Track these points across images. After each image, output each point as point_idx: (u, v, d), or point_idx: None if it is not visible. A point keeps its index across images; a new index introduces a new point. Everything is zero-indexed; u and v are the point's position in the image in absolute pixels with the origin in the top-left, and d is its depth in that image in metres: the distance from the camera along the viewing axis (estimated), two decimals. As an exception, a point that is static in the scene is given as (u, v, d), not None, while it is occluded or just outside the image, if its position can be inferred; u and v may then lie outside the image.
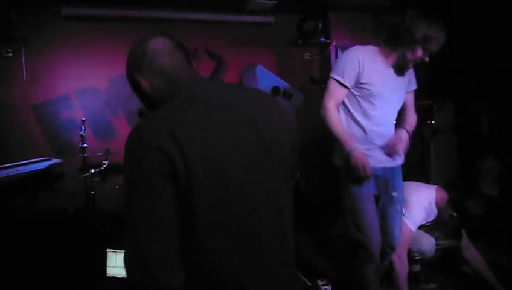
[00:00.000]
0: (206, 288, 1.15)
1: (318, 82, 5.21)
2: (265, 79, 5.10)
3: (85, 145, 4.13)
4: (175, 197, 1.10)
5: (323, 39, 5.26)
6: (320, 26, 5.05)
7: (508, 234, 3.61)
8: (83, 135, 4.13)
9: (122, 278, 3.49)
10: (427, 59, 2.56)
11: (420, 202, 3.17)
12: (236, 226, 1.15)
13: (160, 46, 1.31)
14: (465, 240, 3.21)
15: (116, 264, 3.48)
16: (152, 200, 1.09)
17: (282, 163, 1.26)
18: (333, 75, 2.67)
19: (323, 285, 3.32)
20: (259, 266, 1.18)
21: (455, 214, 3.10)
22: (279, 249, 1.23)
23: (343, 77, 2.63)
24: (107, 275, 3.33)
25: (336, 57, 5.37)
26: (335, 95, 2.68)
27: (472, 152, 4.22)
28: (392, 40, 2.62)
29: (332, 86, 2.67)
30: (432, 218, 3.25)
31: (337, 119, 2.67)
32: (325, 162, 3.02)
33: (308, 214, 4.86)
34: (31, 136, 4.58)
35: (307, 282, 3.47)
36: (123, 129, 4.92)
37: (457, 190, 3.29)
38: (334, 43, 5.28)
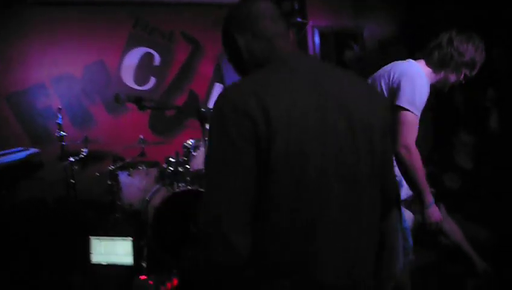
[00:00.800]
0: (270, 259, 1.14)
1: None
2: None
3: (62, 133, 4.07)
4: (256, 162, 1.09)
5: (299, 19, 5.25)
6: (296, 7, 5.04)
7: (483, 205, 3.72)
8: (60, 123, 4.06)
9: (107, 265, 3.51)
10: (464, 82, 2.41)
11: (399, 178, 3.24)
12: (309, 208, 1.13)
13: (265, 10, 1.28)
14: (442, 213, 3.30)
15: (100, 251, 3.48)
16: (235, 163, 1.08)
17: (370, 152, 1.21)
18: (410, 108, 2.23)
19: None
20: (329, 253, 1.16)
21: (433, 189, 3.18)
22: (353, 242, 1.19)
23: (419, 111, 2.28)
24: (92, 262, 3.34)
25: (313, 38, 5.39)
26: (415, 132, 2.29)
27: (447, 128, 4.31)
28: (437, 59, 2.36)
29: (412, 120, 2.26)
30: (410, 193, 3.33)
31: (421, 165, 2.33)
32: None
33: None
34: (7, 127, 4.49)
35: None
36: (101, 116, 4.86)
37: (433, 164, 3.36)
38: (310, 23, 5.28)
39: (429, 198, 2.38)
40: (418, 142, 2.29)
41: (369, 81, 2.53)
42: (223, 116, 1.10)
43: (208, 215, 1.10)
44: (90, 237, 3.28)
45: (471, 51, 2.28)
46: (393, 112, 2.21)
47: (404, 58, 2.43)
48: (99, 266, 3.44)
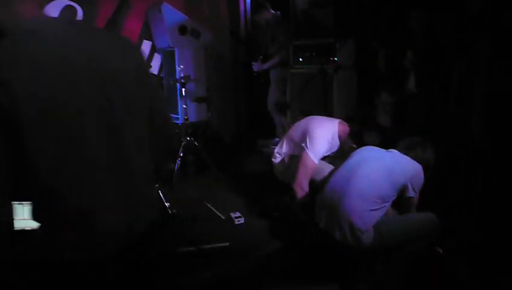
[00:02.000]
0: (51, 218, 1.22)
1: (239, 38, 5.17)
2: (172, 17, 4.93)
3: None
4: (5, 132, 1.09)
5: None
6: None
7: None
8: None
9: (32, 230, 3.38)
10: None
11: (323, 135, 3.39)
12: (75, 161, 1.19)
13: None
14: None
15: (23, 216, 3.33)
16: None
17: (124, 99, 1.29)
18: None
19: (236, 217, 3.50)
20: (96, 194, 1.24)
21: (355, 146, 3.36)
22: (115, 182, 1.27)
23: None
24: (15, 228, 3.20)
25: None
26: None
27: (370, 88, 4.52)
28: None
29: None
30: (334, 149, 3.51)
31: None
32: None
33: (220, 152, 4.98)
34: None
35: (221, 216, 3.62)
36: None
37: (356, 122, 3.54)
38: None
39: None
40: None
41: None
42: None
43: None
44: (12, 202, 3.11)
45: None
46: None
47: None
48: (22, 232, 3.30)
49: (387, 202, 2.64)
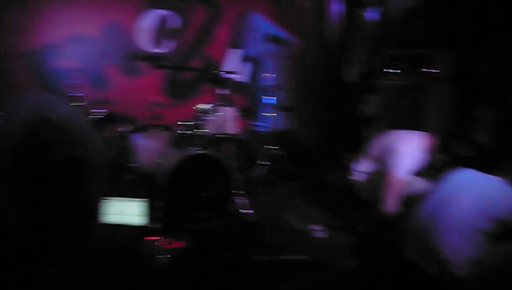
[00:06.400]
0: None
1: None
2: (261, 26, 4.97)
3: (78, 94, 4.08)
4: None
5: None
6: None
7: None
8: (76, 83, 4.07)
9: (119, 225, 3.56)
10: None
11: (410, 152, 3.20)
12: None
13: None
14: None
15: (113, 211, 3.52)
16: None
17: None
18: None
19: (316, 230, 3.39)
20: None
21: (446, 159, 3.11)
22: None
23: None
24: (104, 222, 3.39)
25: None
26: None
27: (468, 101, 4.19)
28: None
29: None
30: (423, 165, 3.29)
31: None
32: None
33: (304, 163, 4.90)
34: (24, 85, 4.50)
35: (301, 227, 3.54)
36: (116, 78, 4.85)
37: (451, 137, 3.29)
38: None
39: None
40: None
41: None
42: None
43: None
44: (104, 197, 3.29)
45: None
46: None
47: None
48: (111, 225, 3.49)
49: (485, 234, 2.37)
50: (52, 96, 1.45)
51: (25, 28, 4.46)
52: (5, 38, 4.39)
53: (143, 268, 2.92)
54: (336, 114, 5.79)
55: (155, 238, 3.25)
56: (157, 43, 5.00)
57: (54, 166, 1.09)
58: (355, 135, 5.21)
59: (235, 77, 5.29)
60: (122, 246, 3.22)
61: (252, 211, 3.70)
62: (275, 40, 5.02)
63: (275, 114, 4.68)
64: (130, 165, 4.11)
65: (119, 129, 4.19)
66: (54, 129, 1.19)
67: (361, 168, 3.56)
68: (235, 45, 5.35)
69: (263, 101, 4.88)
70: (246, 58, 5.40)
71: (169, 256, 2.99)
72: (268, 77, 4.63)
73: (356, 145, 5.14)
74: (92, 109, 4.13)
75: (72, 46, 4.68)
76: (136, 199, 3.57)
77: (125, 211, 3.57)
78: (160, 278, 2.81)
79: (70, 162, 1.06)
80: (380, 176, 3.31)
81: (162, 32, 5.00)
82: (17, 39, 4.45)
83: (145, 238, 3.25)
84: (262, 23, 5.02)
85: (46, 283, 1.18)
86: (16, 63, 4.47)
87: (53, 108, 1.30)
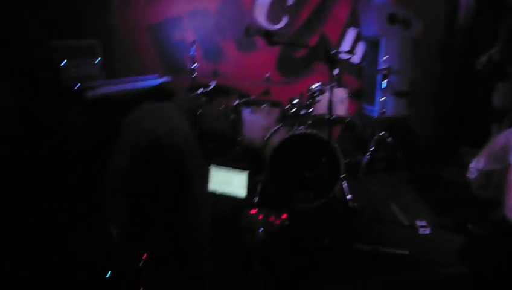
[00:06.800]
0: None
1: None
2: (382, 5, 4.70)
3: (194, 65, 4.25)
4: None
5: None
6: None
7: None
8: (193, 55, 4.24)
9: (220, 194, 3.68)
10: None
11: None
12: None
13: None
14: None
15: (217, 180, 3.65)
16: None
17: None
18: None
19: (422, 226, 3.18)
20: None
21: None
22: None
23: None
24: (209, 189, 3.54)
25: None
26: None
27: None
28: None
29: None
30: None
31: None
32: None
33: (415, 153, 4.62)
34: (146, 55, 4.80)
35: (404, 220, 3.34)
36: (231, 52, 4.95)
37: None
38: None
39: None
40: None
41: None
42: None
43: None
44: (211, 165, 3.44)
45: None
46: None
47: None
48: (215, 195, 3.62)
49: None
50: (168, 107, 2.00)
51: (148, 1, 4.72)
52: (129, 11, 4.69)
53: (241, 239, 2.98)
54: (460, 104, 5.31)
55: (255, 211, 3.30)
56: (274, 19, 4.99)
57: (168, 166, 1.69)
58: (479, 129, 4.72)
59: (350, 57, 5.12)
60: (224, 216, 3.32)
61: (354, 197, 3.59)
62: (395, 20, 4.71)
63: (388, 98, 4.43)
64: (238, 138, 4.22)
65: (230, 102, 4.30)
66: (170, 136, 1.75)
67: (481, 166, 3.23)
68: (352, 24, 5.15)
69: (377, 84, 4.66)
70: (362, 38, 5.18)
71: (267, 231, 3.02)
72: (385, 59, 4.38)
73: (479, 141, 4.68)
74: (206, 81, 4.28)
75: (191, 20, 4.86)
76: (240, 171, 3.65)
77: (230, 182, 3.68)
78: (256, 252, 2.85)
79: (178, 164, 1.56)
80: (503, 177, 2.98)
81: (278, 8, 4.97)
82: (141, 13, 4.73)
83: (246, 210, 3.32)
84: (382, 2, 4.74)
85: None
86: (139, 35, 4.76)
87: (170, 119, 1.89)
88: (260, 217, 3.23)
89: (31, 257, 2.60)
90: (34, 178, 3.11)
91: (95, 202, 2.87)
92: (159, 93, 4.15)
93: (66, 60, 3.62)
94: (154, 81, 4.19)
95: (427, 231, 3.16)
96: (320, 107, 3.79)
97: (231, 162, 3.75)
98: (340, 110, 3.83)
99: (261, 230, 3.02)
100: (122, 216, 2.20)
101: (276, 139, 3.64)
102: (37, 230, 2.81)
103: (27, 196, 2.96)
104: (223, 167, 3.70)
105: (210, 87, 4.27)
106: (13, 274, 2.35)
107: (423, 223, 3.22)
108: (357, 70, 5.25)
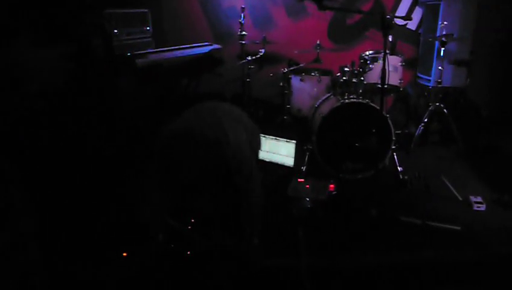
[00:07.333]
0: None
1: None
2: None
3: (244, 32, 4.21)
4: None
5: None
6: None
7: None
8: (242, 22, 4.19)
9: (269, 162, 3.68)
10: None
11: None
12: None
13: None
14: None
15: (265, 148, 3.65)
16: None
17: None
18: None
19: (476, 202, 3.05)
20: None
21: None
22: None
23: None
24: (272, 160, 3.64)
25: None
26: None
27: None
28: None
29: None
30: None
31: None
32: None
33: (472, 126, 4.40)
34: (197, 22, 4.78)
35: (458, 196, 3.22)
36: (281, 19, 4.84)
37: None
38: None
39: None
40: None
41: None
42: None
43: None
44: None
45: None
46: None
47: None
48: (263, 162, 3.63)
49: None
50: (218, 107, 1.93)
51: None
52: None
53: (286, 207, 2.99)
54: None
55: (302, 180, 3.28)
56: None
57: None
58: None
59: (405, 23, 4.88)
60: (270, 184, 3.34)
61: (404, 170, 3.49)
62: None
63: (446, 68, 4.20)
64: (287, 106, 4.18)
65: (279, 70, 4.24)
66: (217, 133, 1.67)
67: None
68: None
69: (434, 52, 4.42)
70: (420, 3, 4.90)
71: (313, 200, 3.01)
72: (443, 25, 4.13)
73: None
74: (255, 49, 4.23)
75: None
76: (289, 140, 3.63)
77: (278, 151, 3.67)
78: (301, 220, 2.85)
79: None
80: None
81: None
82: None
83: (295, 179, 3.32)
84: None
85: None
86: (189, 3, 4.74)
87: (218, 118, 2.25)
88: (307, 186, 3.22)
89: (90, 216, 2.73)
90: (85, 142, 3.24)
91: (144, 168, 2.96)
92: (210, 61, 4.16)
93: (118, 28, 3.68)
94: (204, 48, 4.20)
95: (482, 207, 3.03)
96: (372, 75, 3.66)
97: (279, 131, 3.73)
98: (394, 79, 3.68)
99: (307, 199, 3.01)
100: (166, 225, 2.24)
101: (325, 108, 3.57)
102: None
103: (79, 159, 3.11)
104: (270, 136, 3.69)
105: (259, 55, 4.23)
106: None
107: (478, 199, 3.09)
108: (412, 37, 5.00)
